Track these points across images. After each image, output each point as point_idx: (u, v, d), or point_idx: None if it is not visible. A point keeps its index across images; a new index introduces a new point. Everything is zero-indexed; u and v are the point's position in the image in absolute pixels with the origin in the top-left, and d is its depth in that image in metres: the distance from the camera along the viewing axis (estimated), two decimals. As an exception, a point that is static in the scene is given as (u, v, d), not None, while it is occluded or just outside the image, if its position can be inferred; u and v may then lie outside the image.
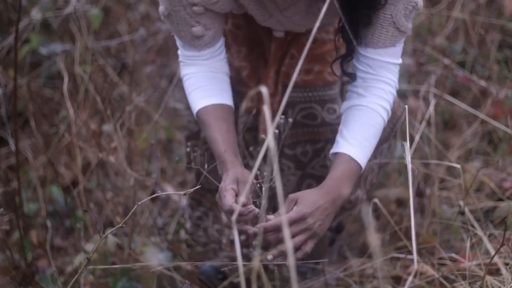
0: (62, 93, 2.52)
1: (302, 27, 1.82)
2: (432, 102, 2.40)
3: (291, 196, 1.60)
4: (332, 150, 1.67)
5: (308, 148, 1.93)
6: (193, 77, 1.79)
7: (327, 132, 1.91)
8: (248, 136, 1.97)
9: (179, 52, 1.82)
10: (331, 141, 1.89)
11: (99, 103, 2.39)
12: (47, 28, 3.11)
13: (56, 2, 2.85)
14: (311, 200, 1.57)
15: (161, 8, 1.72)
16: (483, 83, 2.71)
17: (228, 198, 1.56)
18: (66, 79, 2.49)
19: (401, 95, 2.82)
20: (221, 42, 1.81)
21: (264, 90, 1.02)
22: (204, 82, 1.77)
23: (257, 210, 1.57)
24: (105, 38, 3.21)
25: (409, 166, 1.22)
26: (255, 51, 1.94)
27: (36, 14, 2.77)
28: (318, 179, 1.92)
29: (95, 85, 2.57)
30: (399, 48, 1.71)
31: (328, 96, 1.90)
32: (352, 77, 1.73)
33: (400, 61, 1.73)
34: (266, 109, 0.99)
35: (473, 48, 2.96)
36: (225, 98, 1.78)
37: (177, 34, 1.77)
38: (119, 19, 3.29)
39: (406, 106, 1.34)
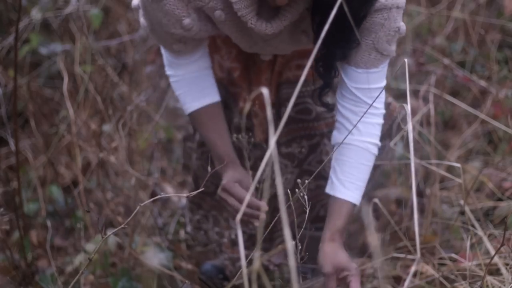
0: (62, 93, 2.52)
1: (288, 50, 1.84)
2: (431, 101, 2.41)
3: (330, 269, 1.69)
4: (329, 191, 1.73)
5: (304, 143, 1.93)
6: (180, 80, 1.82)
7: (322, 126, 1.92)
8: (241, 137, 1.97)
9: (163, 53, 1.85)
10: (326, 135, 1.90)
11: (99, 103, 2.39)
12: (47, 28, 3.11)
13: (56, 2, 2.85)
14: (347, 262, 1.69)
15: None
16: (483, 83, 2.71)
17: (241, 191, 1.70)
18: (66, 79, 2.49)
19: (401, 95, 2.82)
20: (204, 44, 1.83)
21: (265, 91, 1.02)
22: (192, 84, 1.82)
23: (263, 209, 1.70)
24: (105, 38, 3.21)
25: (413, 167, 1.22)
26: (245, 51, 1.95)
27: (36, 14, 2.77)
28: (315, 176, 1.93)
29: (95, 85, 2.57)
30: (383, 71, 1.70)
31: None
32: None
33: (384, 82, 1.71)
34: (269, 110, 0.99)
35: (473, 48, 2.96)
36: (213, 95, 1.84)
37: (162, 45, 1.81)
38: (119, 19, 3.28)
39: (408, 108, 1.34)
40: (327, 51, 1.60)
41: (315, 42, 1.60)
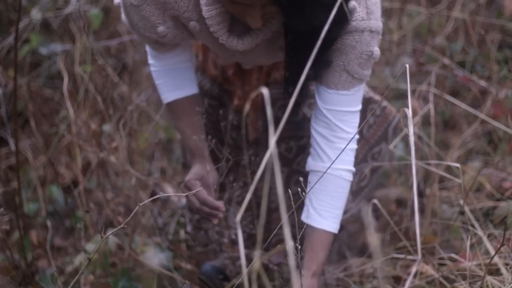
0: (62, 93, 2.52)
1: (267, 62, 1.85)
2: (431, 101, 2.41)
3: None
4: (305, 219, 1.72)
5: (292, 144, 1.93)
6: (160, 70, 1.85)
7: (309, 128, 1.92)
8: (236, 135, 1.97)
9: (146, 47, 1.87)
10: None
11: (99, 103, 2.39)
12: (47, 28, 3.11)
13: (56, 2, 2.85)
14: None
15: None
16: (483, 83, 2.71)
17: (200, 190, 1.72)
18: (66, 79, 2.49)
19: (401, 95, 2.82)
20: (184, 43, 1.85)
21: (265, 91, 1.02)
22: (171, 75, 1.85)
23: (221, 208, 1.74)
24: (105, 38, 3.21)
25: (414, 169, 1.22)
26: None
27: (36, 14, 2.77)
28: (305, 176, 1.94)
29: (95, 85, 2.58)
30: (356, 96, 1.68)
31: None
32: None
33: (358, 108, 1.70)
34: (268, 111, 0.99)
35: (473, 48, 2.96)
36: (189, 88, 1.87)
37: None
38: (119, 19, 3.28)
39: (410, 112, 1.34)
40: (298, 71, 1.60)
41: (285, 59, 1.60)
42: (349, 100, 1.67)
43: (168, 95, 1.85)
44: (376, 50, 1.61)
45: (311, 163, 1.73)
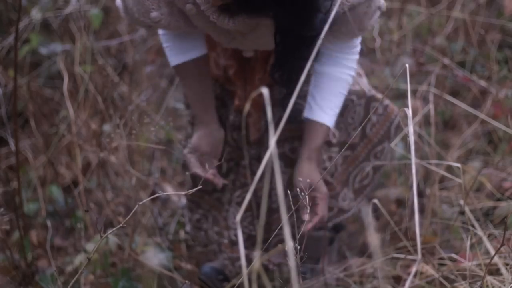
0: (62, 93, 2.52)
1: (268, 46, 1.84)
2: (431, 101, 2.41)
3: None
4: (308, 115, 1.84)
5: (296, 144, 1.93)
6: (167, 33, 1.87)
7: None
8: (237, 135, 1.97)
9: None
10: None
11: (99, 103, 2.39)
12: (47, 28, 3.11)
13: (56, 2, 2.85)
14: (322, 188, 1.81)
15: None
16: (483, 83, 2.71)
17: (199, 169, 1.83)
18: (66, 79, 2.49)
19: (401, 95, 2.82)
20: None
21: (265, 91, 1.02)
22: (178, 38, 1.86)
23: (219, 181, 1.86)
24: (105, 38, 3.21)
25: (414, 169, 1.22)
26: (240, 50, 1.95)
27: (36, 14, 2.77)
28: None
29: (95, 85, 2.58)
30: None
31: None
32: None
33: (359, 40, 1.84)
34: (269, 111, 0.99)
35: (473, 48, 2.96)
36: (198, 49, 1.89)
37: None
38: (119, 19, 3.28)
39: (410, 112, 1.34)
40: (288, 65, 1.67)
41: (274, 47, 1.66)
42: (357, 39, 1.84)
43: (175, 58, 1.87)
44: (382, 3, 1.72)
45: (320, 67, 1.84)
